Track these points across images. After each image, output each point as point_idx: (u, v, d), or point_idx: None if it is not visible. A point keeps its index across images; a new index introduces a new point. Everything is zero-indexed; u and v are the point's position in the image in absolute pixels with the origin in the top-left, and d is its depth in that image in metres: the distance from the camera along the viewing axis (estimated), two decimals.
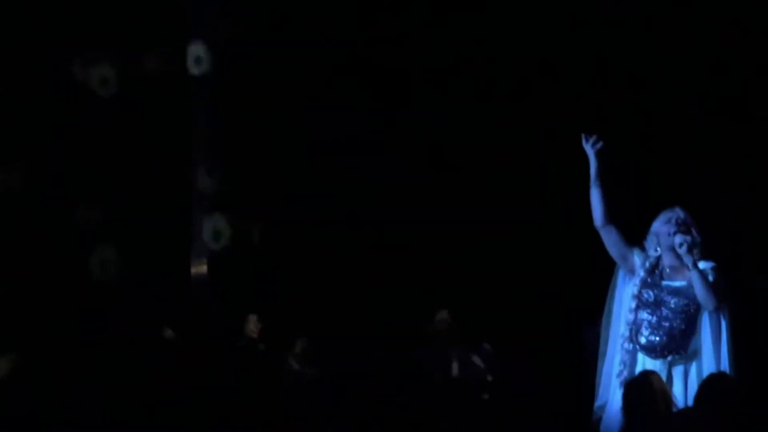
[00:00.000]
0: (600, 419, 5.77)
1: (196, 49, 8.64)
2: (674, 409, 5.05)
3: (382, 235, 8.79)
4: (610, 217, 5.84)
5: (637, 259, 5.87)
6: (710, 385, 5.05)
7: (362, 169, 8.88)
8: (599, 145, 5.84)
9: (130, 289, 7.87)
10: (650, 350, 5.76)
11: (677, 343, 5.73)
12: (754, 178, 8.19)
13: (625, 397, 5.18)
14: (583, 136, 5.86)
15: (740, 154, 8.21)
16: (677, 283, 5.81)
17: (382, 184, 8.83)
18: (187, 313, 8.01)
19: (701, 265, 5.78)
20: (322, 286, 8.51)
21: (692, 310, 5.73)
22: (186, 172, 8.60)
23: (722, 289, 5.72)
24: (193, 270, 8.44)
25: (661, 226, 5.86)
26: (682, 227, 5.77)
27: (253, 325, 7.82)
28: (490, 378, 7.11)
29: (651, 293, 5.82)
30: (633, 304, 5.88)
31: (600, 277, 6.01)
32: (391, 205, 8.76)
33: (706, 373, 5.59)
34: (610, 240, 5.87)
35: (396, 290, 8.53)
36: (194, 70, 8.65)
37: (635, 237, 5.81)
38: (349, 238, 8.76)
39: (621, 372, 5.81)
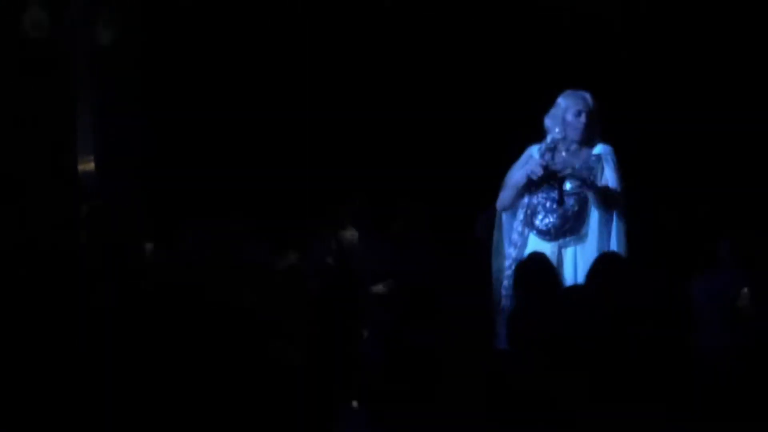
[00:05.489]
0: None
1: None
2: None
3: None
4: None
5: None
6: (601, 263, 5.08)
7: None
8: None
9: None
10: (545, 233, 5.78)
11: (571, 225, 5.77)
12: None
13: (515, 278, 5.20)
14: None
15: None
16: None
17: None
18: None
19: (599, 149, 5.80)
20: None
21: (584, 193, 5.75)
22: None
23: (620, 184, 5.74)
24: (81, 167, 8.19)
25: (571, 117, 5.83)
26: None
27: None
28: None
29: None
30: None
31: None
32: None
33: (593, 254, 5.61)
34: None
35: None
36: None
37: None
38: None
39: (510, 255, 5.83)
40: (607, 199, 5.72)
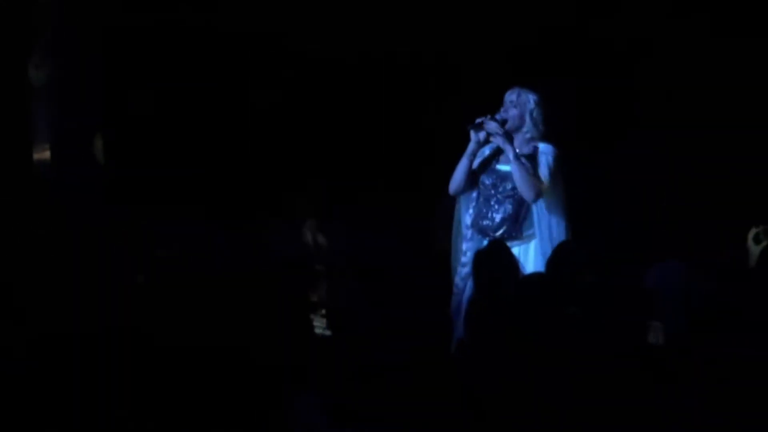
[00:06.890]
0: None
1: None
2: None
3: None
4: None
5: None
6: (561, 252, 5.11)
7: None
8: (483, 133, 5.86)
9: None
10: (485, 234, 5.83)
11: (510, 227, 5.82)
12: None
13: (475, 266, 5.22)
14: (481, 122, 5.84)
15: None
16: (506, 167, 5.87)
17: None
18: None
19: (541, 147, 5.83)
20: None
21: (518, 195, 5.79)
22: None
23: (555, 176, 5.76)
24: (36, 156, 8.10)
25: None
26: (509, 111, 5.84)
27: None
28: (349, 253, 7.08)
29: (489, 178, 5.90)
30: (476, 191, 5.96)
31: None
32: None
33: (540, 254, 5.66)
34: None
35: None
36: None
37: None
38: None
39: (466, 254, 5.87)
40: (523, 182, 5.73)
